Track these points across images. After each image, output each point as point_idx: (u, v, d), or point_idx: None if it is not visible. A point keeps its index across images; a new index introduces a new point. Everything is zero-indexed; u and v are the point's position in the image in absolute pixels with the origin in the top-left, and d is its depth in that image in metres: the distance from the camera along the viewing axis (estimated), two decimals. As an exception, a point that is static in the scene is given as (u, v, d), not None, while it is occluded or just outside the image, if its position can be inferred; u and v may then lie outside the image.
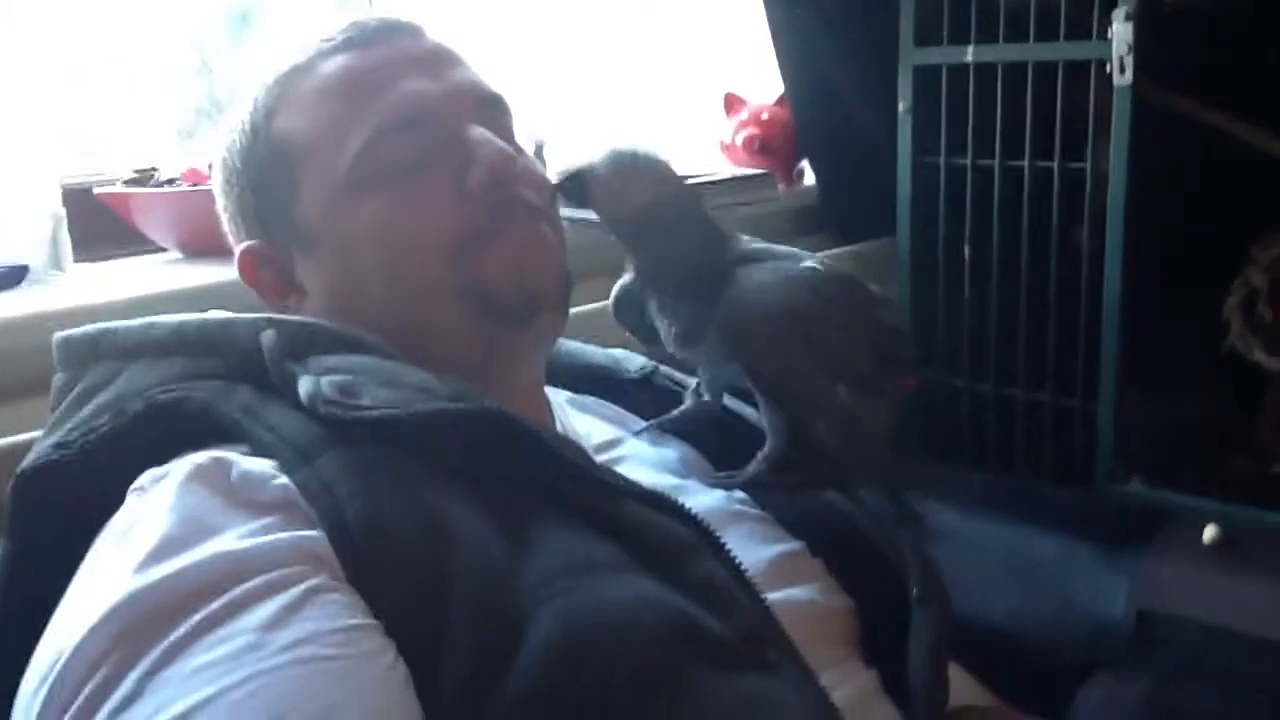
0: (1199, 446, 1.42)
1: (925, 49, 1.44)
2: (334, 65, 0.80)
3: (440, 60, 0.82)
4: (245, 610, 0.55)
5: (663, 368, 0.99)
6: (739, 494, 0.85)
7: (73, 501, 0.64)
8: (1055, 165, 1.36)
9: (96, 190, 1.23)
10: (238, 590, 0.56)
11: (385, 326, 0.76)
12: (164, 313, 0.74)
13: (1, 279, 1.09)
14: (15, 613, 0.64)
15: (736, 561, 0.69)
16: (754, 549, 0.77)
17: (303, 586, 0.57)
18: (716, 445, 0.91)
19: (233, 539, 0.58)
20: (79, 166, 1.43)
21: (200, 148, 1.63)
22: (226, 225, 0.87)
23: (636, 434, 0.92)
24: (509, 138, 0.83)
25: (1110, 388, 1.34)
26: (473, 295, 0.77)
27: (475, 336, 0.78)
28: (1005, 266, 1.45)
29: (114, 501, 0.64)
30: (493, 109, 0.83)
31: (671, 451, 0.90)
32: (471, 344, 0.78)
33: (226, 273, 1.11)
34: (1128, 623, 1.08)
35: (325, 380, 0.65)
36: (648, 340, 0.94)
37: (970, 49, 1.40)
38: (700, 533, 0.68)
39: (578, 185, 0.81)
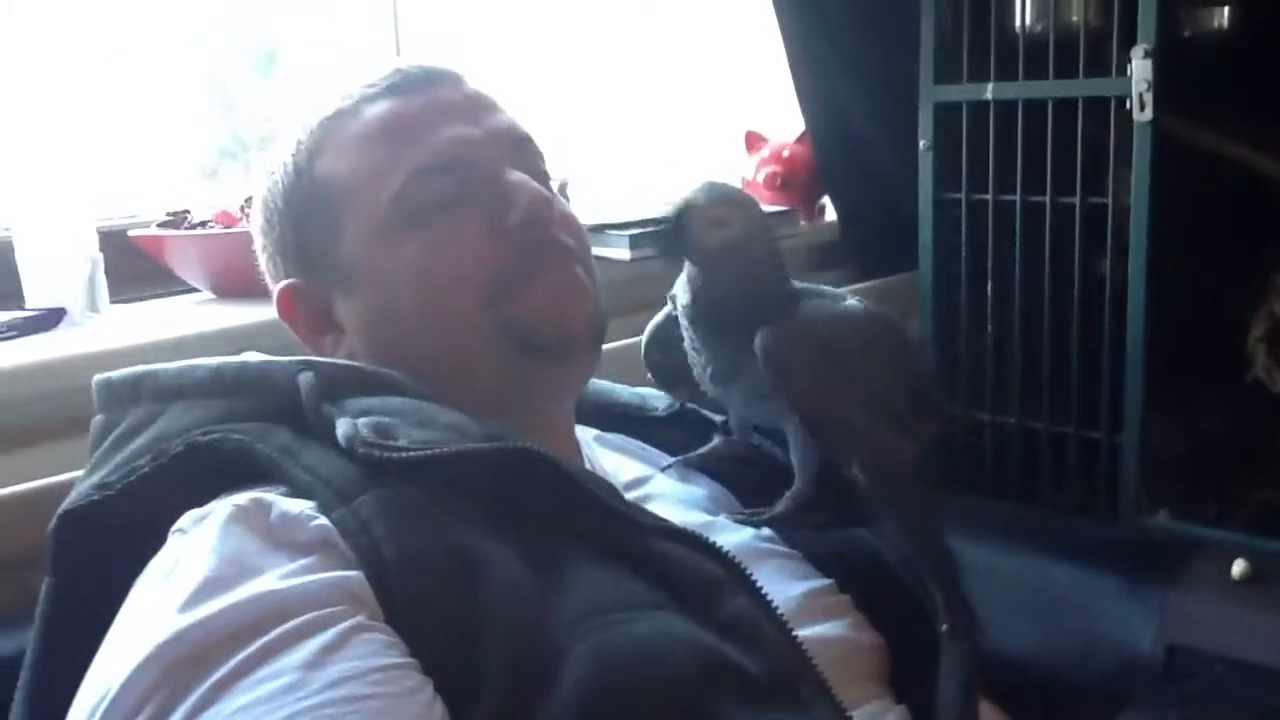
0: (1225, 479, 1.41)
1: (945, 86, 1.45)
2: (377, 110, 0.81)
3: (479, 106, 0.84)
4: (286, 650, 0.56)
5: (689, 405, 0.99)
6: (767, 531, 0.85)
7: (113, 541, 0.65)
8: (1077, 200, 1.37)
9: (131, 233, 1.26)
10: (279, 630, 0.57)
11: (422, 364, 0.78)
12: (198, 353, 0.76)
13: (39, 322, 1.11)
14: (57, 650, 0.66)
15: (767, 598, 0.69)
16: (784, 586, 0.77)
17: (342, 626, 0.58)
18: (744, 483, 0.92)
19: (273, 579, 0.59)
20: (112, 208, 1.46)
21: (224, 188, 1.66)
22: (265, 264, 0.88)
23: (663, 469, 0.92)
24: (544, 180, 0.85)
25: (1135, 420, 1.34)
26: (509, 332, 0.79)
27: (509, 373, 0.80)
28: (1028, 300, 1.45)
29: (155, 541, 0.65)
30: (528, 150, 0.85)
31: (699, 489, 0.91)
32: (505, 381, 0.80)
33: (258, 313, 1.13)
34: (1156, 657, 1.08)
35: (362, 422, 0.66)
36: (666, 384, 0.95)
37: (990, 86, 1.41)
38: (730, 570, 0.69)
39: (679, 220, 0.82)
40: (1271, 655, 1.05)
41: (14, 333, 1.08)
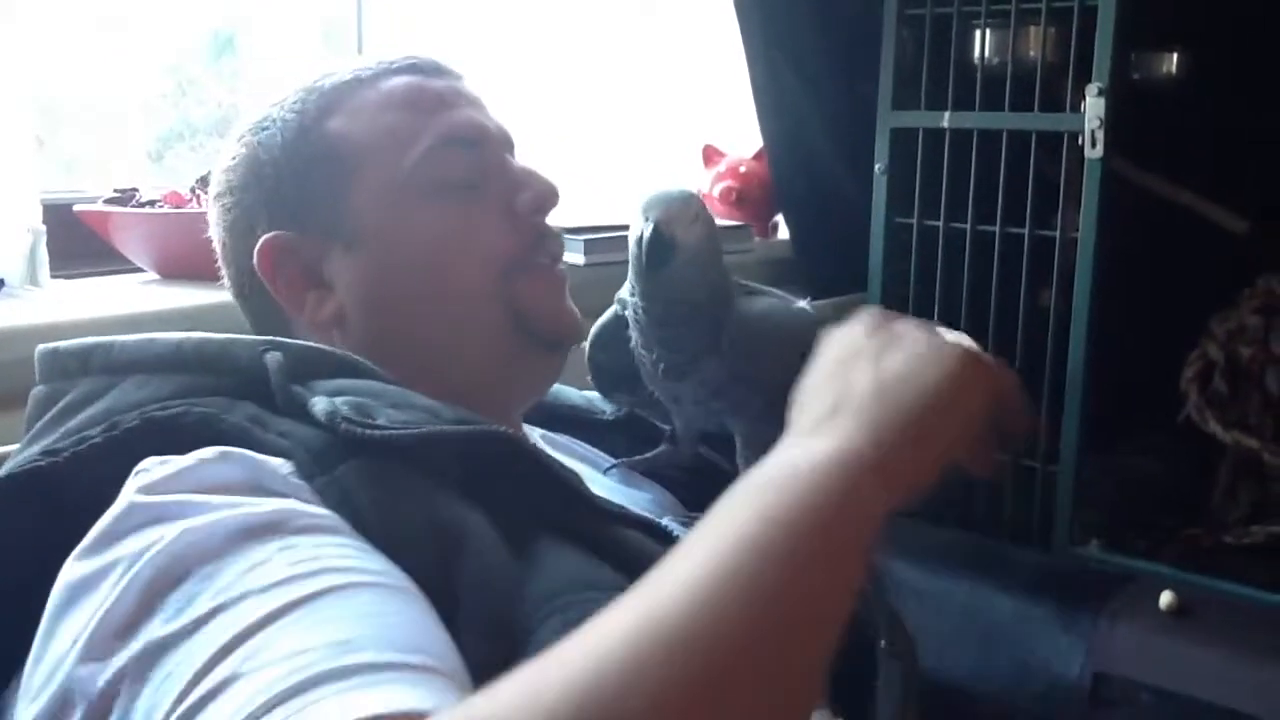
0: (1155, 513, 1.44)
1: (903, 112, 1.47)
2: (400, 82, 0.84)
3: (483, 104, 0.88)
4: (322, 537, 0.57)
5: (637, 412, 1.00)
6: None
7: (54, 510, 0.63)
8: (1026, 231, 1.39)
9: (77, 208, 1.23)
10: (306, 523, 0.58)
11: (414, 326, 0.80)
12: (140, 332, 0.74)
13: (-25, 291, 1.08)
14: None
15: None
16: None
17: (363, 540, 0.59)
18: (688, 490, 0.92)
19: (270, 500, 0.59)
20: (57, 183, 1.43)
21: (171, 170, 1.63)
22: (231, 224, 0.85)
23: (607, 470, 0.92)
24: None
25: (1071, 451, 1.37)
26: (509, 309, 0.82)
27: (499, 349, 0.82)
28: (972, 327, 1.47)
29: (99, 512, 0.62)
30: (514, 154, 0.89)
31: (644, 492, 0.91)
32: (492, 357, 0.82)
33: (203, 295, 1.11)
34: (1084, 684, 1.10)
35: (340, 400, 0.66)
36: (609, 388, 0.97)
37: (947, 115, 1.43)
38: None
39: (666, 228, 0.82)
40: (1196, 687, 1.07)
41: (-52, 301, 1.05)
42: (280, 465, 0.63)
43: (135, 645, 0.53)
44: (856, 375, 0.60)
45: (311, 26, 1.77)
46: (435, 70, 0.86)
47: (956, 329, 1.47)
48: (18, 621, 0.60)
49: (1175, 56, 1.63)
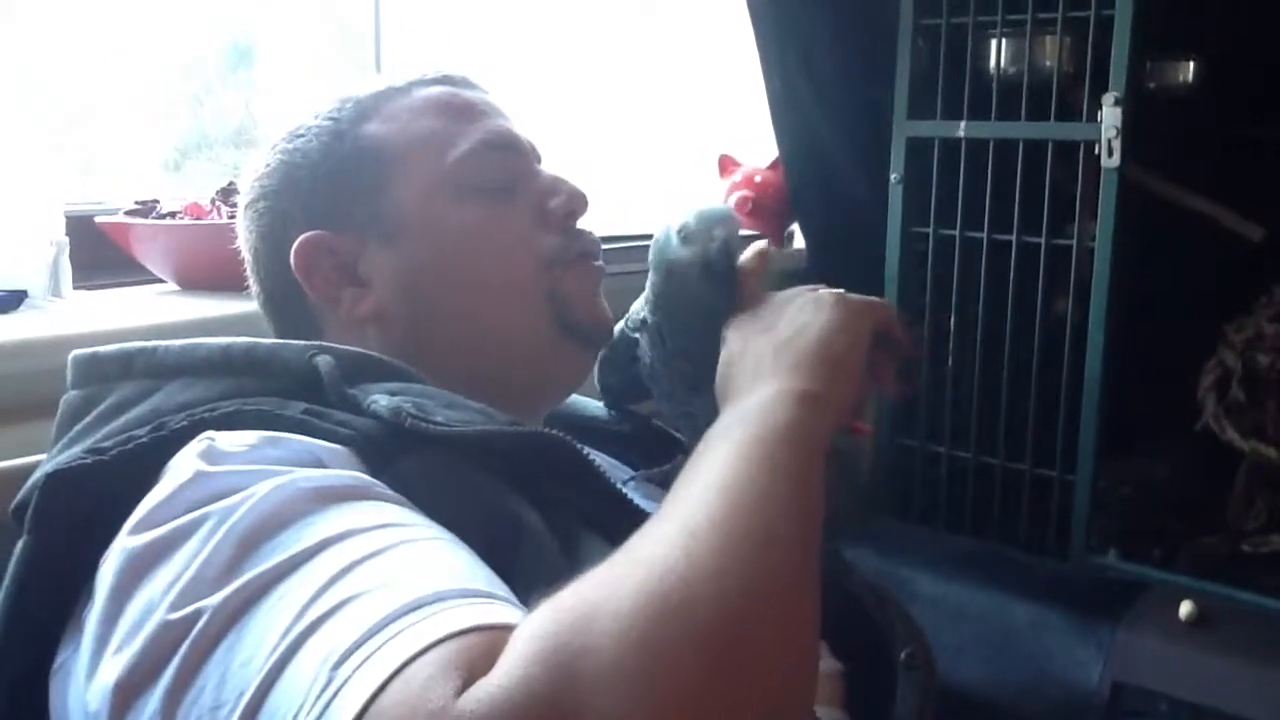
0: (1172, 522, 1.44)
1: (918, 122, 1.47)
2: (434, 91, 0.86)
3: (512, 118, 0.90)
4: (401, 506, 0.60)
5: (655, 423, 1.00)
6: None
7: (95, 508, 0.63)
8: (1042, 241, 1.39)
9: (98, 219, 1.24)
10: (382, 492, 0.61)
11: (453, 320, 0.81)
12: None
13: (-1, 303, 1.09)
14: (29, 610, 0.64)
15: None
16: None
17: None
18: None
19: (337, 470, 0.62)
20: (78, 194, 1.44)
21: (189, 181, 1.64)
22: (267, 227, 0.85)
23: (624, 483, 0.93)
24: None
25: (1089, 460, 1.36)
26: (553, 299, 0.83)
27: (540, 341, 0.83)
28: (989, 337, 1.47)
29: None
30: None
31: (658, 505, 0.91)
32: (532, 348, 0.83)
33: (223, 306, 1.12)
34: (1102, 694, 1.09)
35: (399, 398, 0.67)
36: (618, 406, 0.97)
37: (963, 124, 1.43)
38: None
39: (732, 255, 0.83)
40: (1215, 697, 1.06)
41: (-28, 313, 1.06)
42: (340, 451, 0.64)
43: (240, 580, 0.54)
44: (758, 346, 0.74)
45: (329, 38, 1.79)
46: (467, 83, 0.89)
47: (973, 338, 1.49)
48: (60, 615, 0.61)
49: (1190, 65, 1.63)
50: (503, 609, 0.52)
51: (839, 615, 0.84)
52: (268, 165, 0.85)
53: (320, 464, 0.63)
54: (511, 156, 0.85)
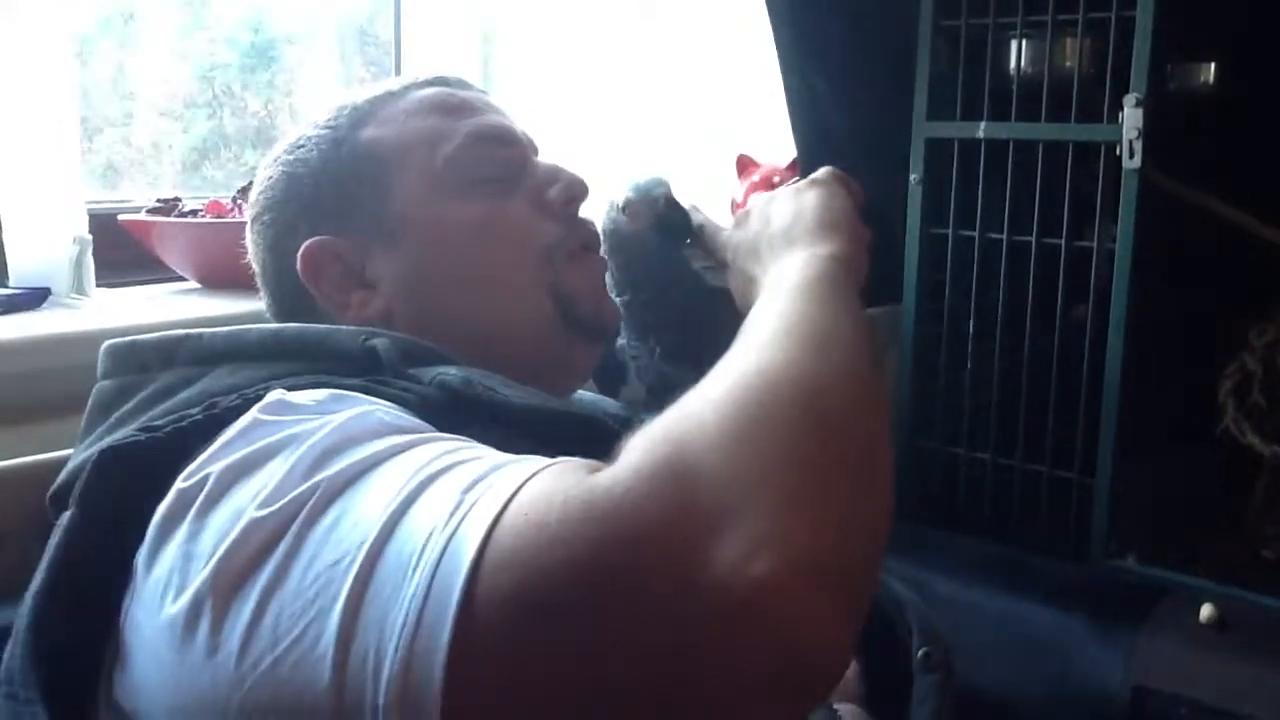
0: (1193, 526, 1.43)
1: (938, 122, 1.47)
2: (429, 92, 0.87)
3: (508, 114, 0.91)
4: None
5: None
6: None
7: (152, 484, 0.62)
8: (1062, 242, 1.39)
9: (121, 217, 1.25)
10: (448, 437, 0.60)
11: (461, 318, 0.82)
12: None
13: (23, 300, 1.10)
14: (73, 583, 0.63)
15: None
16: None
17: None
18: None
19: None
20: (99, 193, 1.45)
21: (209, 181, 1.65)
22: (270, 240, 0.87)
23: None
24: None
25: (1108, 463, 1.36)
26: (555, 296, 0.84)
27: (546, 337, 0.84)
28: (1008, 338, 1.47)
29: None
30: None
31: None
32: (539, 344, 0.84)
33: (245, 305, 1.13)
34: (1122, 698, 1.09)
35: (467, 372, 0.68)
36: (605, 389, 0.99)
37: (982, 125, 1.43)
38: None
39: (680, 215, 0.87)
40: (1235, 701, 1.06)
41: (-3, 310, 1.07)
42: (406, 413, 0.64)
43: (337, 466, 0.54)
44: (766, 235, 0.81)
45: (350, 42, 1.79)
46: (461, 84, 0.90)
47: (992, 340, 1.49)
48: (104, 590, 0.60)
49: (1212, 67, 1.62)
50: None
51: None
52: (270, 178, 0.87)
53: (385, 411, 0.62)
54: (506, 148, 0.86)
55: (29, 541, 0.69)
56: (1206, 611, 1.15)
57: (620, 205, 0.88)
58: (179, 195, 1.32)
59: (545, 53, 1.82)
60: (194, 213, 1.27)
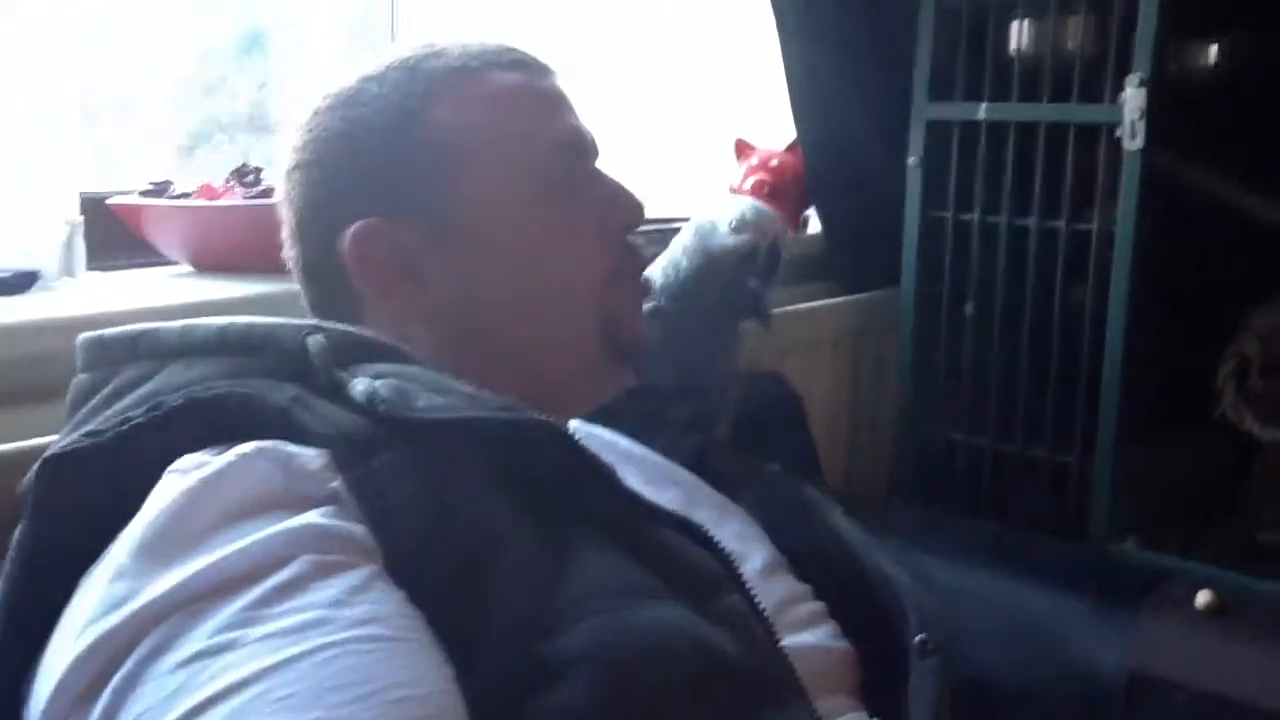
0: (1191, 510, 1.43)
1: (938, 104, 1.46)
2: (510, 78, 0.82)
3: (576, 108, 0.87)
4: (313, 585, 0.55)
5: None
6: (754, 529, 0.88)
7: (97, 491, 0.62)
8: (1062, 225, 1.38)
9: (111, 201, 1.23)
10: (304, 565, 0.56)
11: (504, 328, 0.79)
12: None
13: (11, 283, 1.09)
14: (30, 597, 0.62)
15: (756, 599, 0.70)
16: (766, 587, 0.77)
17: (368, 569, 0.57)
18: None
19: (295, 519, 0.58)
20: (90, 177, 1.43)
21: (202, 166, 1.64)
22: (320, 200, 0.81)
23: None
24: None
25: (1108, 446, 1.35)
26: (604, 316, 0.82)
27: (587, 355, 0.82)
28: (1007, 322, 1.46)
29: (142, 493, 0.62)
30: None
31: (668, 490, 0.91)
32: (578, 362, 0.82)
33: (237, 288, 1.12)
34: (1119, 681, 1.08)
35: (380, 383, 0.65)
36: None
37: (983, 106, 1.41)
38: (726, 567, 0.70)
39: (777, 249, 0.86)
40: (1232, 686, 1.05)
41: (-17, 292, 1.05)
42: (315, 457, 0.62)
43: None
44: None
45: (344, 26, 1.78)
46: (540, 70, 0.85)
47: (992, 323, 1.48)
48: (58, 605, 0.60)
49: (1214, 47, 1.60)
50: None
51: (852, 597, 0.84)
52: (325, 129, 0.80)
53: (287, 488, 0.61)
54: (583, 160, 0.83)
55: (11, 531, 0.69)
56: (1203, 597, 1.14)
57: (731, 219, 0.87)
58: (170, 179, 1.31)
59: (540, 40, 1.81)
60: (185, 195, 1.26)
